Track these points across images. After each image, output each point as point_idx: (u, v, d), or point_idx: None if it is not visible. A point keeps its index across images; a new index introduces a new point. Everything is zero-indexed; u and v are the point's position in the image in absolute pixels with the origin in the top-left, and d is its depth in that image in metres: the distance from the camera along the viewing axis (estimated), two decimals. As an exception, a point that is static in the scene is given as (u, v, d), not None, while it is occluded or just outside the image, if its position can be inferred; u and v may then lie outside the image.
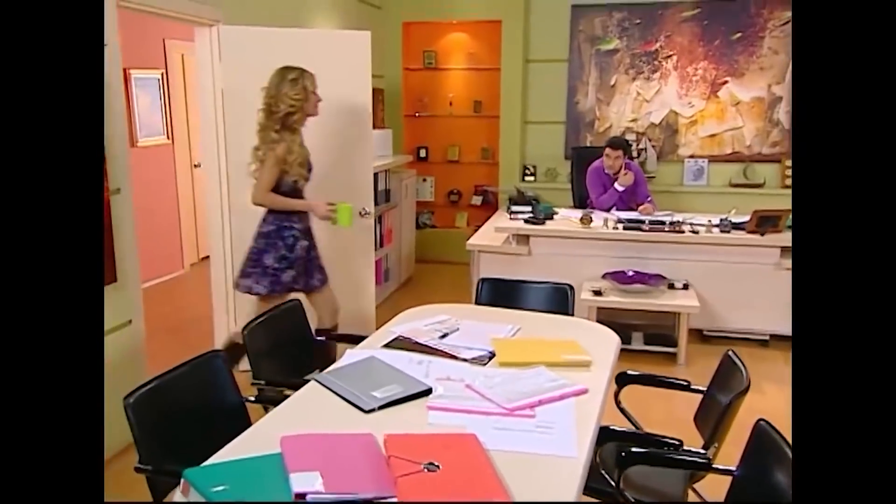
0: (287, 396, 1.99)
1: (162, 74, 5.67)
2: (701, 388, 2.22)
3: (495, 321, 2.48)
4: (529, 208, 4.54)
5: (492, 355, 2.18)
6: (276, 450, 1.57)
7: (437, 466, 1.50)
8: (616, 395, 2.33)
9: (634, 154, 5.59)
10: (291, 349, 2.56)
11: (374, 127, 4.22)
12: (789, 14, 5.46)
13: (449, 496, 1.40)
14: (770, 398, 3.55)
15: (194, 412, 1.95)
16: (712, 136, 5.77)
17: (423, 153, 6.43)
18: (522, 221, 4.41)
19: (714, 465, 1.78)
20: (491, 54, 6.07)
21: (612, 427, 2.00)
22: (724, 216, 4.21)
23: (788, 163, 5.62)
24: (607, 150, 4.64)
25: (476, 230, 5.16)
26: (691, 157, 5.80)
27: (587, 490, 1.78)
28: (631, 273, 4.09)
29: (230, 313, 3.86)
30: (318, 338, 2.68)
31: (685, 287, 4.09)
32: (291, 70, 3.02)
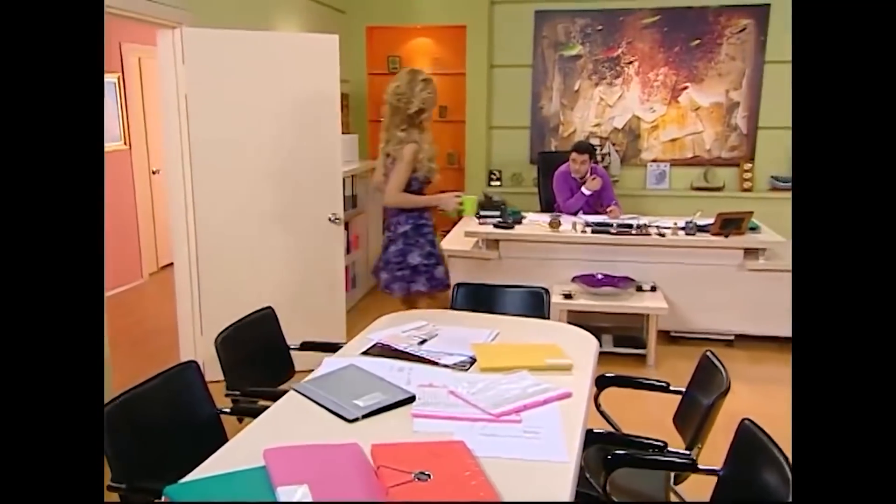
0: (263, 407, 1.93)
1: (118, 78, 5.51)
2: (680, 389, 2.24)
3: (474, 326, 2.46)
4: (498, 213, 4.55)
5: (473, 361, 2.16)
6: (259, 463, 1.51)
7: (428, 475, 1.46)
8: (596, 397, 2.34)
9: (599, 158, 5.65)
10: (266, 358, 2.49)
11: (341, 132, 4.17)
12: (745, 22, 5.61)
13: (443, 506, 1.37)
14: (739, 398, 3.61)
15: (168, 426, 1.88)
16: (673, 140, 5.88)
17: (388, 158, 6.39)
18: (492, 226, 4.41)
19: (699, 466, 1.79)
20: (456, 59, 6.08)
21: (595, 430, 2.00)
22: (689, 219, 4.28)
23: (747, 166, 5.76)
24: (574, 155, 4.68)
25: (443, 235, 5.14)
26: (654, 161, 5.90)
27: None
28: (600, 276, 4.12)
29: (196, 324, 3.75)
30: (294, 346, 2.62)
31: (653, 289, 4.15)
32: (421, 72, 3.12)
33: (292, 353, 2.62)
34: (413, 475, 1.46)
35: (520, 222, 4.46)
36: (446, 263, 3.28)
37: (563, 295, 4.00)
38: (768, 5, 5.56)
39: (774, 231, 4.40)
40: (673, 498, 2.08)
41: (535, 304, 2.78)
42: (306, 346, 2.61)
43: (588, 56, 5.86)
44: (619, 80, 5.85)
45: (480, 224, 4.51)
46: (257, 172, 3.69)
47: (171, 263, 3.89)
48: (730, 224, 4.15)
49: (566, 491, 1.46)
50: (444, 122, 6.25)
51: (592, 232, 4.22)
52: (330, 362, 2.15)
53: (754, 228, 4.30)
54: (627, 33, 5.77)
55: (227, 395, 2.24)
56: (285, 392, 1.97)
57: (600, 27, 5.81)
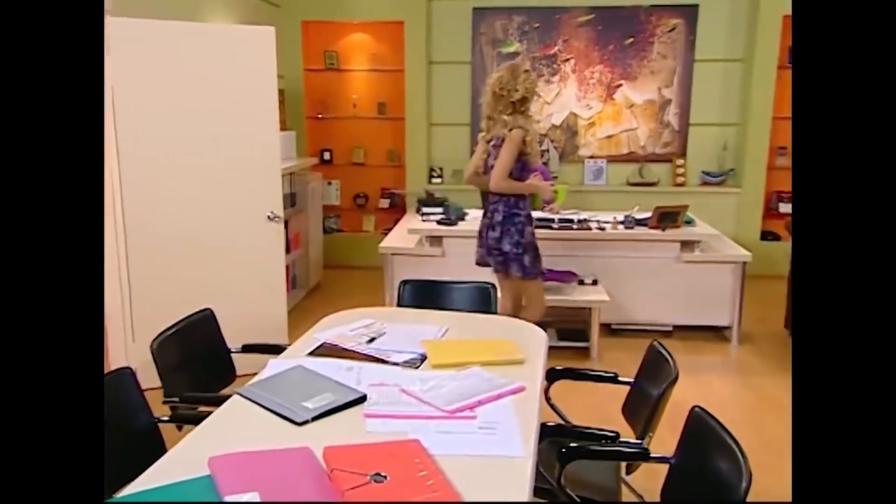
0: (205, 414, 1.83)
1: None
2: (628, 379, 2.26)
3: (422, 322, 2.43)
4: (441, 210, 4.52)
5: (423, 358, 2.12)
6: (204, 472, 1.43)
7: (385, 477, 1.42)
8: (546, 391, 2.34)
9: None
10: (206, 363, 2.38)
11: (280, 127, 4.05)
12: (675, 21, 5.77)
13: (401, 507, 1.33)
14: (679, 387, 3.69)
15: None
16: (609, 137, 6.00)
17: (327, 156, 6.27)
18: (435, 223, 4.38)
19: (651, 455, 1.81)
20: (394, 55, 6.02)
21: (547, 423, 1.99)
22: (627, 213, 4.37)
23: (679, 162, 5.93)
24: (515, 151, 4.69)
25: (384, 233, 5.08)
26: (591, 157, 6.00)
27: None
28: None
29: (127, 330, 3.57)
30: (235, 349, 2.51)
31: (594, 282, 4.21)
32: (522, 65, 3.29)
33: (234, 356, 2.52)
34: (369, 477, 1.42)
35: (463, 219, 4.45)
36: (537, 252, 3.41)
37: (508, 290, 4.01)
38: (697, 5, 5.74)
39: (707, 224, 4.55)
40: (624, 489, 2.10)
41: (483, 300, 2.77)
42: (248, 349, 2.52)
43: (526, 53, 5.90)
44: (556, 77, 5.93)
45: (423, 221, 4.48)
46: (191, 169, 3.54)
47: (99, 266, 3.68)
48: (666, 218, 4.26)
49: (524, 486, 1.44)
50: (384, 118, 6.18)
51: (535, 227, 4.24)
52: (275, 364, 2.07)
53: (689, 222, 4.43)
54: (564, 31, 5.85)
55: (164, 403, 2.13)
56: (228, 397, 1.88)
57: (537, 25, 5.86)
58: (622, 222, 4.31)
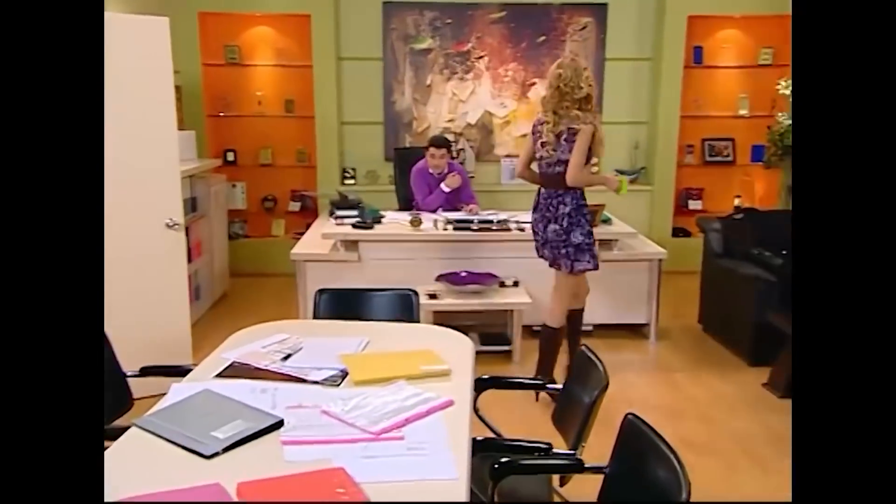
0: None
1: None
2: (556, 386, 2.25)
3: (341, 335, 2.32)
4: (356, 212, 4.41)
5: (344, 374, 2.03)
6: (98, 522, 1.28)
7: (308, 513, 1.32)
8: (474, 402, 2.28)
9: (454, 154, 5.68)
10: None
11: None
12: (586, 20, 5.90)
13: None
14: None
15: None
16: (525, 135, 6.02)
17: (231, 157, 6.00)
18: (350, 227, 4.26)
19: (585, 465, 1.79)
20: (301, 51, 5.83)
21: (477, 438, 1.94)
22: (546, 213, 4.40)
23: (594, 160, 6.03)
24: (431, 150, 4.65)
25: (296, 238, 4.91)
26: (507, 156, 6.04)
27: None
28: (464, 273, 4.13)
29: None
30: (131, 373, 2.32)
31: (515, 284, 4.22)
32: (580, 61, 3.45)
33: (130, 380, 2.32)
34: (290, 515, 1.31)
35: (379, 221, 4.35)
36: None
37: (429, 295, 3.95)
38: (606, 4, 5.88)
39: (622, 222, 4.65)
40: (556, 498, 2.08)
41: (404, 308, 2.69)
42: (147, 372, 2.33)
43: (439, 50, 5.87)
44: (470, 74, 5.92)
45: (337, 224, 4.35)
46: (76, 174, 3.26)
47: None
48: (585, 217, 4.31)
49: (460, 511, 1.38)
50: (292, 117, 5.98)
51: (454, 229, 4.22)
52: (178, 389, 1.92)
53: (606, 221, 4.52)
54: (477, 28, 5.85)
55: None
56: (125, 429, 1.71)
57: (449, 20, 5.83)
58: (541, 222, 4.33)
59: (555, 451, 1.89)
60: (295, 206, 6.13)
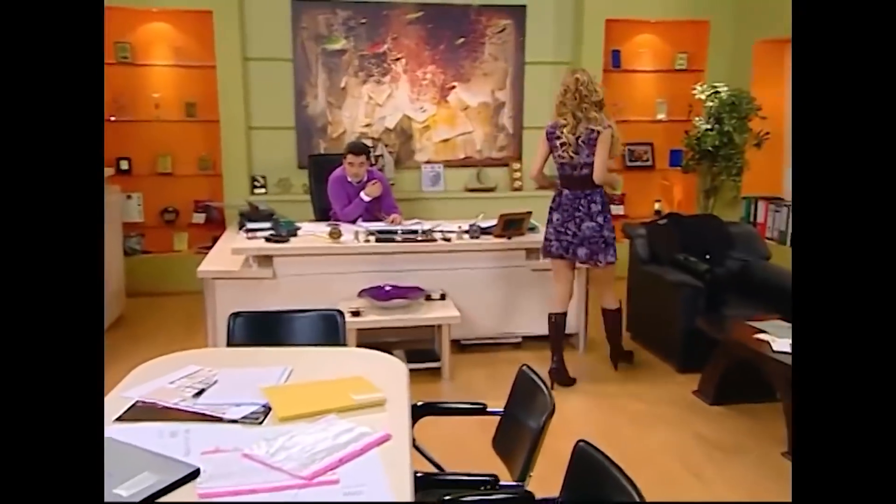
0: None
1: None
2: (497, 409, 2.18)
3: (260, 364, 2.17)
4: (269, 225, 4.21)
5: (267, 410, 1.88)
6: None
7: (235, 583, 1.18)
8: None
9: (373, 161, 5.56)
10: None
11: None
12: (504, 22, 5.93)
13: None
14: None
15: None
16: (445, 141, 6.01)
17: (125, 165, 5.63)
18: (263, 240, 4.07)
19: (536, 498, 1.72)
20: (203, 50, 5.56)
21: (417, 473, 1.84)
22: (472, 222, 4.36)
23: (516, 166, 6.09)
24: (349, 158, 4.52)
25: (201, 253, 4.66)
26: (427, 162, 5.98)
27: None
28: (388, 288, 4.02)
29: None
30: None
31: (442, 297, 4.15)
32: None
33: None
34: (214, 587, 1.17)
35: (295, 234, 4.17)
36: None
37: (351, 312, 3.81)
38: (524, 6, 5.93)
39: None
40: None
41: (329, 330, 2.55)
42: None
43: (353, 51, 5.74)
44: (387, 77, 5.82)
45: (249, 238, 4.14)
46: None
47: None
48: (511, 225, 4.31)
49: (409, 564, 1.27)
50: (194, 121, 5.69)
51: (376, 241, 4.10)
52: (73, 438, 1.71)
53: (533, 228, 4.52)
54: (393, 28, 5.77)
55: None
56: None
57: (364, 20, 5.72)
58: (467, 231, 4.29)
59: (501, 483, 1.81)
60: (199, 219, 5.83)
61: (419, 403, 2.24)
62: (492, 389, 3.92)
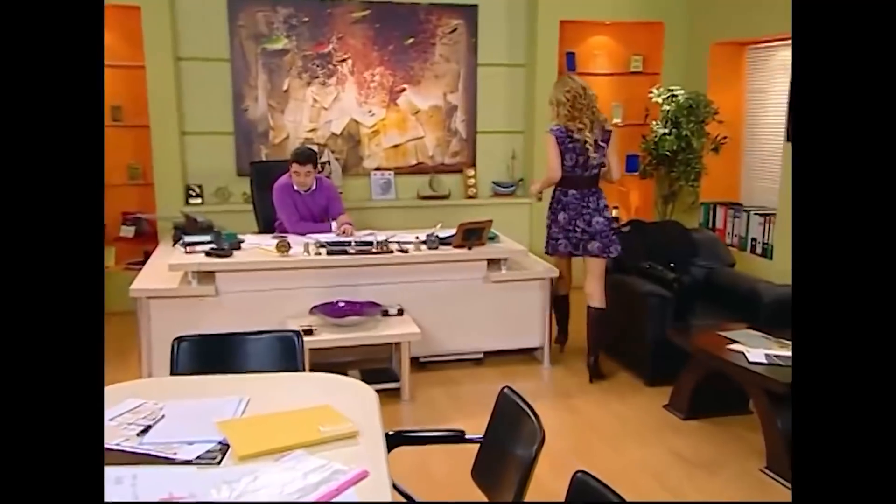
0: None
1: None
2: (477, 436, 2.08)
3: (213, 395, 2.01)
4: (209, 238, 4.01)
5: (225, 447, 1.73)
6: None
7: None
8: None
9: (319, 168, 5.41)
10: None
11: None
12: (456, 22, 5.87)
13: None
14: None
15: None
16: (396, 146, 5.90)
17: (43, 174, 5.32)
18: (203, 255, 3.87)
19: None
20: (130, 49, 5.31)
21: (395, 511, 1.73)
22: (430, 232, 4.26)
23: (470, 172, 6.03)
24: (295, 167, 4.36)
25: (132, 269, 4.41)
26: (377, 169, 5.85)
27: None
28: (341, 304, 3.88)
29: None
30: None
31: (400, 312, 4.03)
32: None
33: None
34: None
35: (238, 248, 3.99)
36: None
37: (304, 331, 3.64)
38: (476, 6, 5.89)
39: (508, 238, 4.62)
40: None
41: (286, 353, 2.41)
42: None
43: (296, 51, 5.58)
44: (332, 79, 5.68)
45: (188, 253, 3.93)
46: None
47: None
48: (471, 235, 4.23)
49: None
50: (121, 126, 5.42)
51: (328, 253, 3.95)
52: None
53: (493, 238, 4.45)
54: (338, 27, 5.64)
55: None
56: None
57: (306, 19, 5.57)
58: (425, 242, 4.18)
59: (491, 518, 1.71)
60: (128, 232, 5.55)
61: (389, 433, 2.12)
62: (455, 410, 3.83)
